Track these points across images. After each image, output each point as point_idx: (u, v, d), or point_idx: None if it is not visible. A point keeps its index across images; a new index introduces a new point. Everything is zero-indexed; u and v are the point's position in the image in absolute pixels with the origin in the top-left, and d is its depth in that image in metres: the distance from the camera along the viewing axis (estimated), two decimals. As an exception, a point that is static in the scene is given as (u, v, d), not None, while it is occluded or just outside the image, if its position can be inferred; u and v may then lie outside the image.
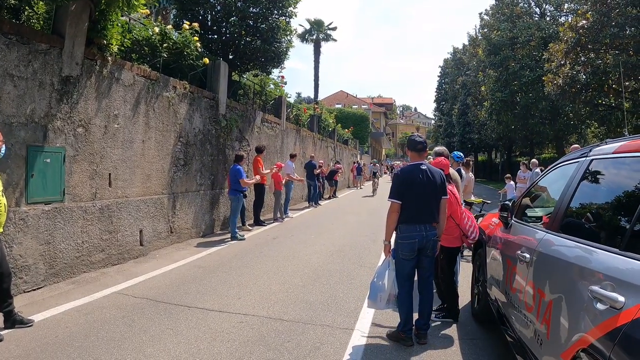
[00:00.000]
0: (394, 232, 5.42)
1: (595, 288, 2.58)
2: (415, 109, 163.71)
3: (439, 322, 6.05)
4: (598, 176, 3.46)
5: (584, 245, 3.06)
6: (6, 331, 5.23)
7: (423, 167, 5.40)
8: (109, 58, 8.13)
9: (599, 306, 2.50)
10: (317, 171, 20.95)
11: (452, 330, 5.85)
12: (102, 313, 6.09)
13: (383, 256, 5.55)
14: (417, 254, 5.36)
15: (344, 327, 5.86)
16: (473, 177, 11.24)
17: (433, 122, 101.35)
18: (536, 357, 3.37)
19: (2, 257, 5.29)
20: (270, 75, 17.83)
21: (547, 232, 3.83)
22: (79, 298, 6.58)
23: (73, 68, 7.26)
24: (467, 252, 7.85)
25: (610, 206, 3.24)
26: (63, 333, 5.36)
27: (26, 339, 5.13)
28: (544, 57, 27.64)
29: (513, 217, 5.09)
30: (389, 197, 5.37)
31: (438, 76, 76.34)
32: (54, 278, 7.15)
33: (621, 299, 2.33)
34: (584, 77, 23.28)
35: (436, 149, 6.89)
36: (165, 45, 10.41)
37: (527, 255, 3.97)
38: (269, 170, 14.61)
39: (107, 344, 5.12)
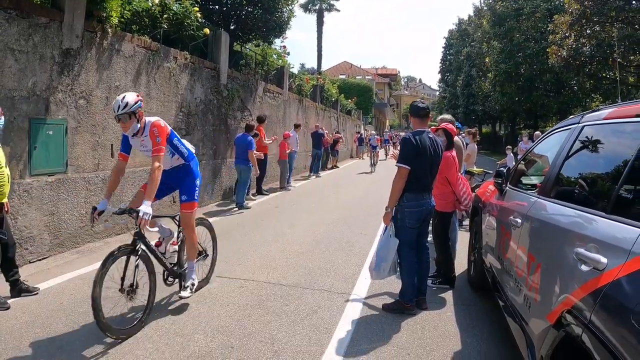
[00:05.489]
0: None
1: (581, 250, 2.60)
2: (420, 80, 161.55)
3: (435, 288, 6.12)
4: (588, 142, 3.46)
5: (572, 210, 3.08)
6: (13, 300, 5.34)
7: (430, 135, 5.37)
8: (109, 30, 8.10)
9: (583, 268, 2.53)
10: (330, 139, 21.35)
11: (448, 296, 5.92)
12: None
13: (383, 225, 5.51)
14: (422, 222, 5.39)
15: (341, 292, 5.97)
16: (476, 147, 11.27)
17: (437, 93, 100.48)
18: (525, 321, 3.43)
19: (7, 227, 5.38)
20: (272, 46, 17.71)
21: (538, 198, 3.85)
22: (83, 267, 6.68)
23: (73, 41, 7.25)
24: (467, 222, 7.92)
25: (598, 171, 3.28)
26: (68, 300, 5.48)
27: (32, 306, 5.25)
28: (548, 29, 27.34)
29: (508, 184, 5.10)
30: (397, 162, 5.18)
31: (443, 47, 75.76)
32: (59, 248, 7.27)
33: (604, 260, 2.36)
34: (589, 49, 23.01)
35: (443, 116, 6.94)
36: (165, 16, 10.33)
37: (519, 221, 3.99)
38: (270, 140, 14.62)
39: (110, 310, 5.25)
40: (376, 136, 29.10)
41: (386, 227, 5.38)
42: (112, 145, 8.38)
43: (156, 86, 9.73)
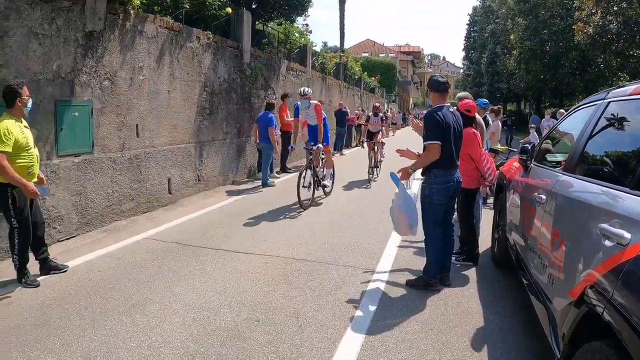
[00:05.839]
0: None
1: (605, 226, 2.56)
2: (444, 57, 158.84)
3: (459, 265, 6.09)
4: (613, 118, 3.38)
5: (597, 186, 3.03)
6: (42, 277, 5.46)
7: (451, 109, 5.30)
8: (131, 12, 8.09)
9: (607, 243, 2.49)
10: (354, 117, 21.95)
11: (471, 274, 5.90)
12: (132, 257, 6.31)
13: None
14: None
15: (365, 267, 6.00)
16: (500, 125, 11.11)
17: (461, 71, 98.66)
18: (548, 298, 3.39)
19: (36, 207, 5.49)
20: (294, 24, 17.55)
21: (563, 174, 3.77)
22: (110, 244, 6.80)
23: (96, 23, 7.27)
24: (491, 200, 7.84)
25: (623, 147, 3.20)
26: (96, 277, 5.59)
27: (61, 283, 5.36)
28: (574, 5, 26.51)
29: (533, 161, 5.03)
30: (426, 140, 5.06)
31: (467, 24, 73.87)
32: (86, 227, 7.39)
33: (627, 235, 2.32)
34: (615, 27, 22.24)
35: (460, 94, 6.82)
36: (187, -4, 10.30)
37: (544, 197, 3.92)
38: (293, 119, 14.52)
39: (137, 284, 5.35)
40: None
41: (403, 182, 5.41)
42: (137, 125, 8.45)
43: (179, 66, 9.73)
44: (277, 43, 16.24)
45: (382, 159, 14.51)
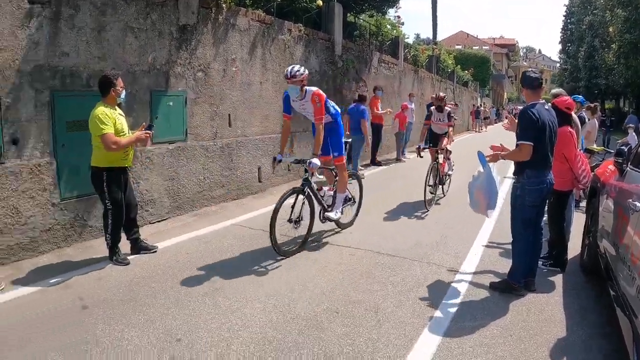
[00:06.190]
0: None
1: None
2: (540, 50, 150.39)
3: (545, 270, 5.57)
4: None
5: None
6: (133, 256, 5.58)
7: (546, 107, 4.84)
8: (224, 5, 8.10)
9: None
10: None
11: (558, 280, 5.36)
12: (220, 242, 6.33)
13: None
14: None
15: (449, 266, 5.69)
16: (597, 123, 10.28)
17: (558, 65, 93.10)
18: (635, 313, 3.00)
19: (130, 190, 5.63)
20: (386, 16, 17.17)
21: None
22: (200, 228, 6.87)
23: (189, 17, 7.34)
24: (584, 204, 7.20)
25: None
26: (183, 258, 5.65)
27: (150, 263, 5.45)
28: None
29: (629, 164, 4.53)
30: (519, 139, 4.67)
31: (563, 15, 69.63)
32: (177, 211, 7.50)
33: None
34: None
35: (554, 90, 6.31)
36: (278, -11, 10.25)
37: (638, 205, 3.47)
38: (384, 111, 14.24)
39: (223, 268, 5.36)
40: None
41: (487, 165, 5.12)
42: (229, 115, 8.51)
43: (271, 58, 9.70)
44: (368, 35, 15.92)
45: (449, 172, 9.96)
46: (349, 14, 14.58)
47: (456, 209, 8.52)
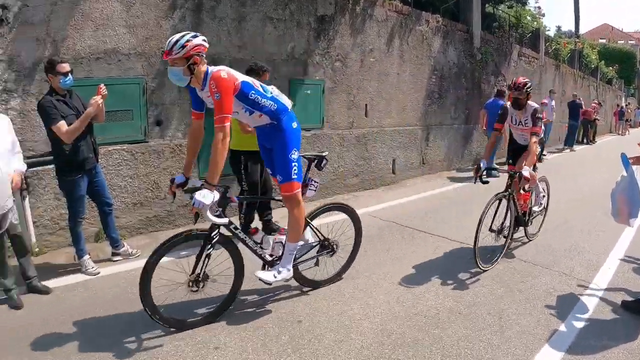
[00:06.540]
0: None
1: None
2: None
3: None
4: None
5: None
6: (260, 236, 5.39)
7: None
8: (361, -4, 7.92)
9: None
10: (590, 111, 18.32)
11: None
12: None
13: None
14: None
15: (580, 278, 4.89)
16: None
17: None
18: None
19: (266, 175, 5.60)
20: (525, 7, 15.95)
21: None
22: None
23: (327, 8, 7.26)
24: None
25: None
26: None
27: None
28: None
29: None
30: None
31: None
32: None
33: None
34: None
35: None
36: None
37: None
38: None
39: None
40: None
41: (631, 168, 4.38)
42: (366, 105, 8.33)
43: (409, 49, 9.33)
44: (507, 27, 14.84)
45: (536, 207, 6.04)
46: (487, 5, 13.69)
47: (594, 209, 7.57)
